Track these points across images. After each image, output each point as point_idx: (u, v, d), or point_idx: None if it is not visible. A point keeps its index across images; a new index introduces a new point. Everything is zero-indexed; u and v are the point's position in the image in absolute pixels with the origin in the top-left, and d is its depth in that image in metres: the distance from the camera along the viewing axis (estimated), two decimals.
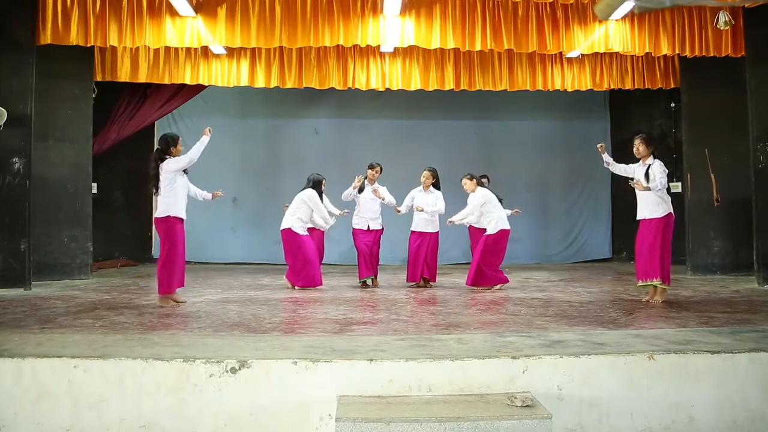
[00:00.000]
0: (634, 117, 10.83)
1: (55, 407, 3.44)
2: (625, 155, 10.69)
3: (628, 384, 3.58)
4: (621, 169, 6.15)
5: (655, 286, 5.76)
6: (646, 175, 5.74)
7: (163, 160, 5.55)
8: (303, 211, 7.14)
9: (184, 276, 5.83)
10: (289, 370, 3.49)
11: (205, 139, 5.70)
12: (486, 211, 7.12)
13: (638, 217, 5.89)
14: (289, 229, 7.07)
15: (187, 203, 5.76)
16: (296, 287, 7.11)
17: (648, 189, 5.66)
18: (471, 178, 7.27)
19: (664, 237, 5.73)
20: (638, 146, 5.89)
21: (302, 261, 7.09)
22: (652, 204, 5.75)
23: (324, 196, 7.46)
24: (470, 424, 3.07)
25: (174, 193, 5.55)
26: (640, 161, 5.91)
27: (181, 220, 5.61)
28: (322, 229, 7.62)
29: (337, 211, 7.68)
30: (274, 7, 7.16)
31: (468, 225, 9.03)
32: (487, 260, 7.04)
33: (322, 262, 9.09)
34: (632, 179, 5.86)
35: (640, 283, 5.84)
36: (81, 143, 8.03)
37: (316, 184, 7.29)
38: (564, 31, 7.40)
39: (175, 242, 5.55)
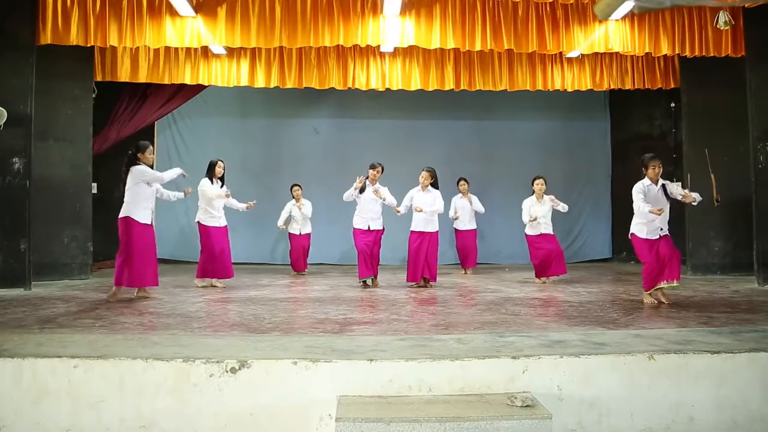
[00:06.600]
0: (634, 117, 10.81)
1: (55, 407, 3.44)
2: (625, 155, 10.80)
3: (628, 384, 3.58)
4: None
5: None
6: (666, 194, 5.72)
7: (133, 164, 6.05)
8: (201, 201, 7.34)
9: (152, 277, 6.22)
10: (289, 370, 3.49)
11: (178, 170, 6.46)
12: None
13: (663, 234, 5.74)
14: (198, 221, 7.35)
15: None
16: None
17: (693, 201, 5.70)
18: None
19: None
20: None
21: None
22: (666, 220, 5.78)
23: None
24: (470, 424, 3.07)
25: (134, 197, 6.04)
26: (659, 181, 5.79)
27: (141, 224, 6.06)
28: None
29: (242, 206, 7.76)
30: (274, 7, 7.16)
31: (454, 228, 9.22)
32: None
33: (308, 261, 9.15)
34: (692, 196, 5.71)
35: (675, 283, 5.74)
36: (81, 143, 8.03)
37: (208, 169, 7.37)
38: (564, 31, 7.40)
39: (128, 242, 6.02)
